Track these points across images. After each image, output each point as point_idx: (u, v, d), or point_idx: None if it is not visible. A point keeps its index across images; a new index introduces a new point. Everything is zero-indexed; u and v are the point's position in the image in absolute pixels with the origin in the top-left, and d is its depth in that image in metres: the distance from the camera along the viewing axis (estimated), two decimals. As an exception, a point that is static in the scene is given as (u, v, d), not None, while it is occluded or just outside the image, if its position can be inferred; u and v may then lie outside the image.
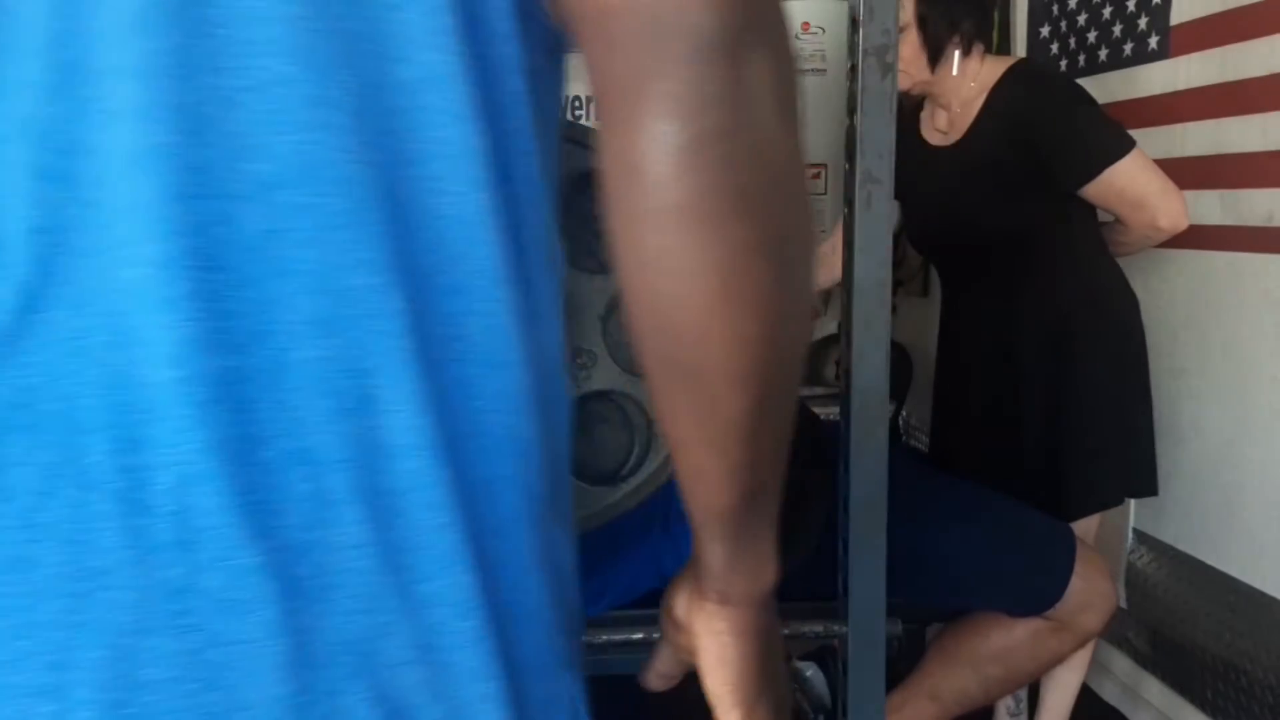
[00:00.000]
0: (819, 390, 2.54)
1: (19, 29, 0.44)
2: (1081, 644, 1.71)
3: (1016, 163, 1.88)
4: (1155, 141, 2.01)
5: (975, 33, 1.94)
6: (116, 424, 0.43)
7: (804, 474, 1.51)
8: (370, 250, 0.44)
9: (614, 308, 1.14)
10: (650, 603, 1.32)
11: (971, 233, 1.98)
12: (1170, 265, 2.17)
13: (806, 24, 2.79)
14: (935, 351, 2.25)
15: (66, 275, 0.43)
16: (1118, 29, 2.34)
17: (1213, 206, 2.03)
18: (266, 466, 0.43)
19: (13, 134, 0.44)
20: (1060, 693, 2.07)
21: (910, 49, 1.91)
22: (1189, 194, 1.87)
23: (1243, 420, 2.02)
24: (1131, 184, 1.84)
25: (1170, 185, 1.84)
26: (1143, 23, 2.24)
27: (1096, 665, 2.29)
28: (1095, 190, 1.86)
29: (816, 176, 2.83)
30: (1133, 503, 2.25)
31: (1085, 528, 1.98)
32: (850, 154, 1.13)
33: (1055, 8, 2.60)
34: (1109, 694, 2.42)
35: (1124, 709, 2.37)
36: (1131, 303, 2.01)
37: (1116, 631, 2.36)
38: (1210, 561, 2.11)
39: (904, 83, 1.95)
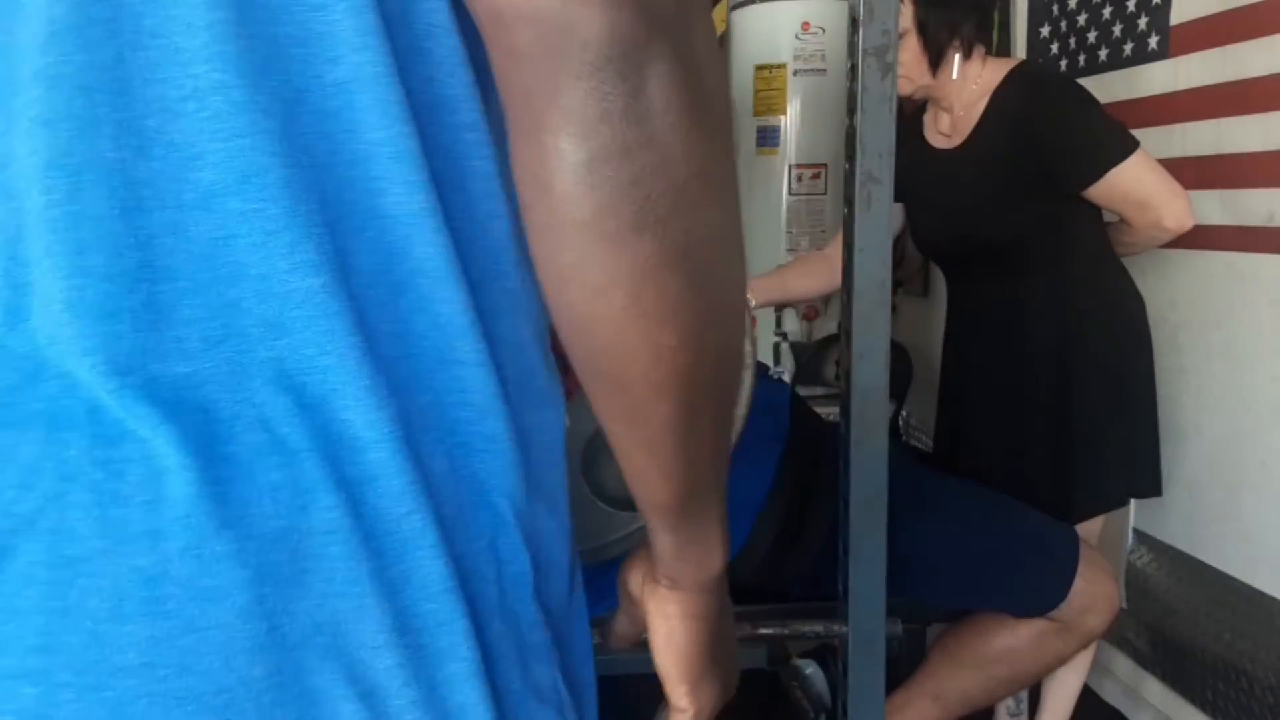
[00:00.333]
0: (819, 390, 2.54)
1: None
2: (1084, 645, 1.71)
3: (1020, 165, 1.89)
4: (1155, 141, 2.01)
5: (975, 36, 1.94)
6: (91, 421, 0.44)
7: (809, 474, 1.51)
8: (311, 252, 0.45)
9: None
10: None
11: (976, 235, 1.98)
12: (1170, 265, 2.17)
13: (807, 24, 2.79)
14: (936, 351, 2.25)
15: (31, 286, 0.45)
16: (1118, 29, 2.34)
17: (1213, 206, 2.03)
18: (234, 459, 0.44)
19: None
20: (1061, 693, 2.07)
21: (910, 54, 1.91)
22: (1189, 194, 1.87)
23: (1243, 420, 2.02)
24: (1136, 185, 1.84)
25: (1175, 185, 1.84)
26: (1143, 23, 2.24)
27: (1097, 666, 2.29)
28: (1100, 191, 1.86)
29: (816, 177, 2.83)
30: (1133, 503, 2.25)
31: (1089, 529, 1.98)
32: (850, 154, 1.13)
33: (1055, 7, 2.60)
34: (1110, 694, 2.42)
35: (1124, 709, 2.37)
36: (1138, 303, 2.01)
37: (1117, 632, 2.36)
38: (1210, 562, 2.11)
39: (905, 88, 1.95)
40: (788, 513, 1.44)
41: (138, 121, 0.44)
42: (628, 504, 1.18)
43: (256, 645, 0.43)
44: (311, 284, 0.45)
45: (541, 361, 0.55)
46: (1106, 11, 2.38)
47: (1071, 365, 1.93)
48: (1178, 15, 2.13)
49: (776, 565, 1.44)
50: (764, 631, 1.32)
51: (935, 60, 1.92)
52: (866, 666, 1.21)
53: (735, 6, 2.94)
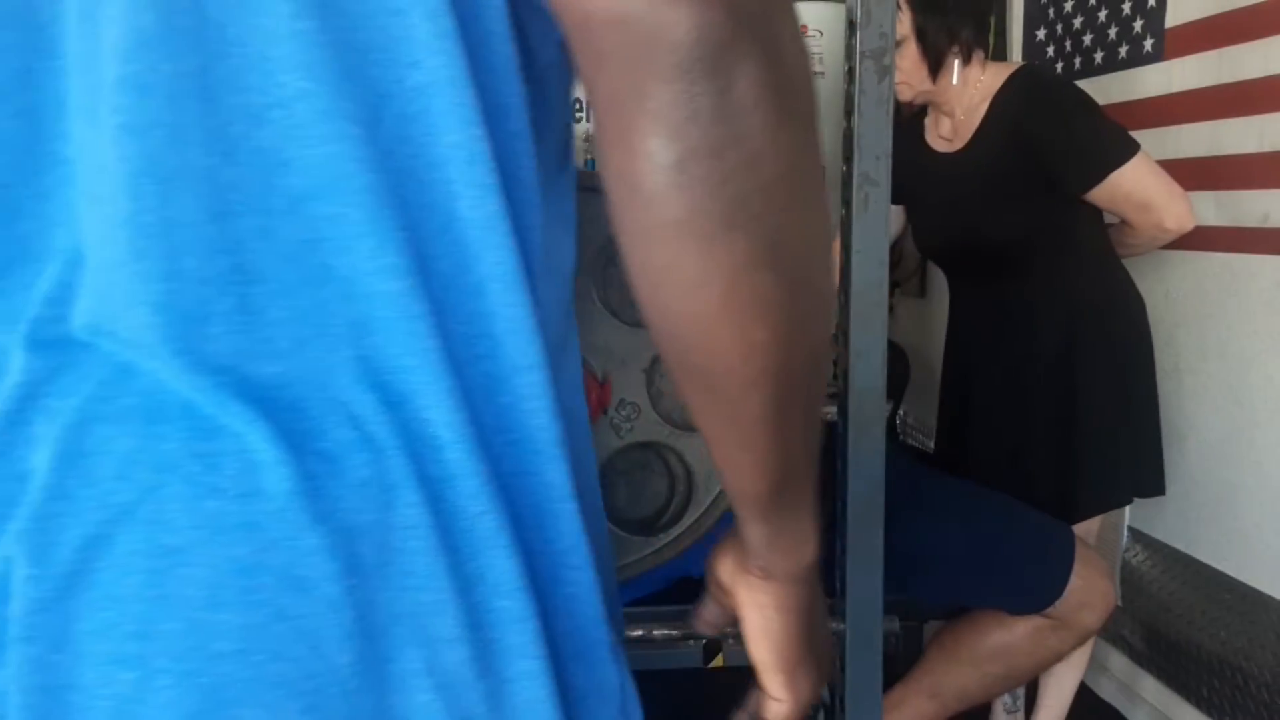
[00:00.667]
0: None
1: (54, 50, 0.47)
2: (1081, 642, 1.72)
3: (1022, 168, 1.89)
4: (1151, 143, 2.02)
5: (974, 40, 1.95)
6: (186, 416, 0.45)
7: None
8: (395, 256, 0.46)
9: (658, 360, 1.15)
10: (665, 599, 1.32)
11: (978, 238, 1.99)
12: (1167, 266, 2.18)
13: (805, 27, 2.80)
14: (933, 351, 2.26)
15: (119, 291, 0.46)
16: (1113, 31, 2.35)
17: (1208, 208, 2.04)
18: (326, 455, 0.46)
19: (73, 155, 0.47)
20: (1058, 690, 2.08)
21: (910, 61, 1.92)
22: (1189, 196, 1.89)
23: (1238, 419, 2.04)
24: (1137, 187, 1.85)
25: (1175, 187, 1.85)
26: (1138, 25, 2.25)
27: (1093, 663, 2.30)
28: (1101, 194, 1.87)
29: (815, 178, 2.84)
30: (1129, 501, 2.26)
31: (1085, 527, 1.99)
32: (848, 156, 1.14)
33: (1051, 10, 2.61)
34: (1106, 691, 2.43)
35: (1121, 706, 2.38)
36: (1139, 304, 2.02)
37: (1113, 629, 2.37)
38: (1206, 560, 2.12)
39: (906, 94, 1.96)
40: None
41: (224, 128, 0.45)
42: (638, 528, 1.19)
43: (344, 634, 0.44)
44: (395, 286, 0.46)
45: (578, 369, 0.56)
46: (1102, 14, 2.39)
47: (1075, 365, 1.94)
48: (1173, 18, 2.14)
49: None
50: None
51: (935, 66, 1.93)
52: (864, 663, 1.22)
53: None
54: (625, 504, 1.16)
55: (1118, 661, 2.41)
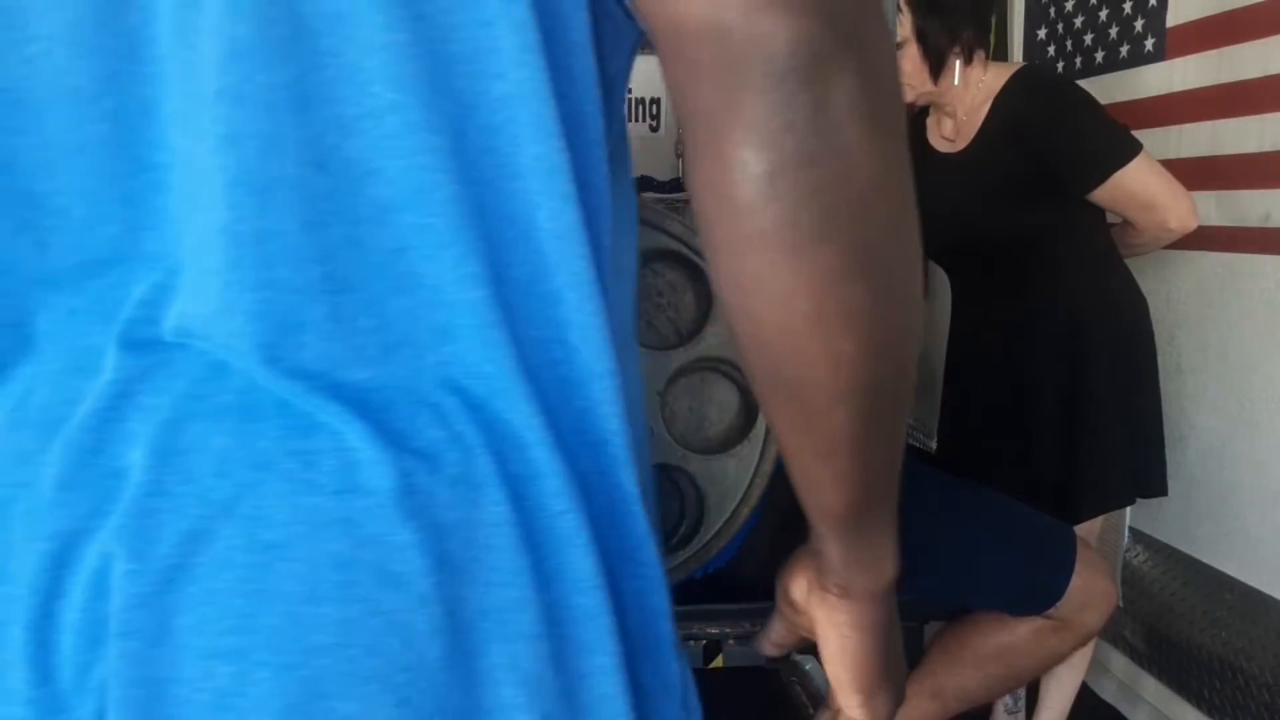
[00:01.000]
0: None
1: (166, 64, 0.47)
2: (1082, 643, 1.71)
3: (1024, 168, 1.89)
4: (1152, 143, 2.02)
5: (975, 41, 1.94)
6: (281, 414, 0.46)
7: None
8: (476, 265, 0.47)
9: (672, 383, 1.15)
10: (679, 599, 1.32)
11: (981, 238, 1.99)
12: (1167, 266, 2.18)
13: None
14: (935, 351, 2.26)
15: (213, 297, 0.47)
16: (1114, 31, 2.35)
17: (1209, 207, 2.04)
18: (420, 453, 0.46)
19: (174, 163, 0.47)
20: (1059, 691, 2.08)
21: (911, 63, 1.92)
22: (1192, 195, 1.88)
23: (1239, 419, 2.03)
24: (1140, 187, 1.85)
25: (1178, 187, 1.85)
26: (1139, 24, 2.25)
27: (1094, 663, 2.30)
28: (1104, 194, 1.87)
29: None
30: (1130, 502, 2.26)
31: (1086, 528, 1.99)
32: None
33: (1052, 10, 2.61)
34: (1107, 692, 2.43)
35: (1121, 707, 2.38)
36: (1141, 304, 2.02)
37: (1113, 630, 2.37)
38: (1207, 560, 2.12)
39: (908, 95, 1.96)
40: (787, 512, 1.45)
41: (317, 139, 0.45)
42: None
43: (433, 629, 0.45)
44: (476, 295, 0.47)
45: (638, 377, 0.56)
46: (1103, 14, 2.38)
47: (1077, 366, 1.94)
48: (1174, 17, 2.14)
49: (776, 564, 1.45)
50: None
51: (936, 67, 1.93)
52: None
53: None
54: None
55: (1118, 662, 2.41)
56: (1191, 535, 2.17)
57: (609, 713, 0.48)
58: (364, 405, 0.46)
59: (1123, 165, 1.83)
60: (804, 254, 0.44)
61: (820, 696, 1.65)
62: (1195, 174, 2.04)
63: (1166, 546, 2.24)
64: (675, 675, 0.53)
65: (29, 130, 0.49)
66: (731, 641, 1.43)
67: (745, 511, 1.20)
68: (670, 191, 3.11)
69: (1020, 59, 2.72)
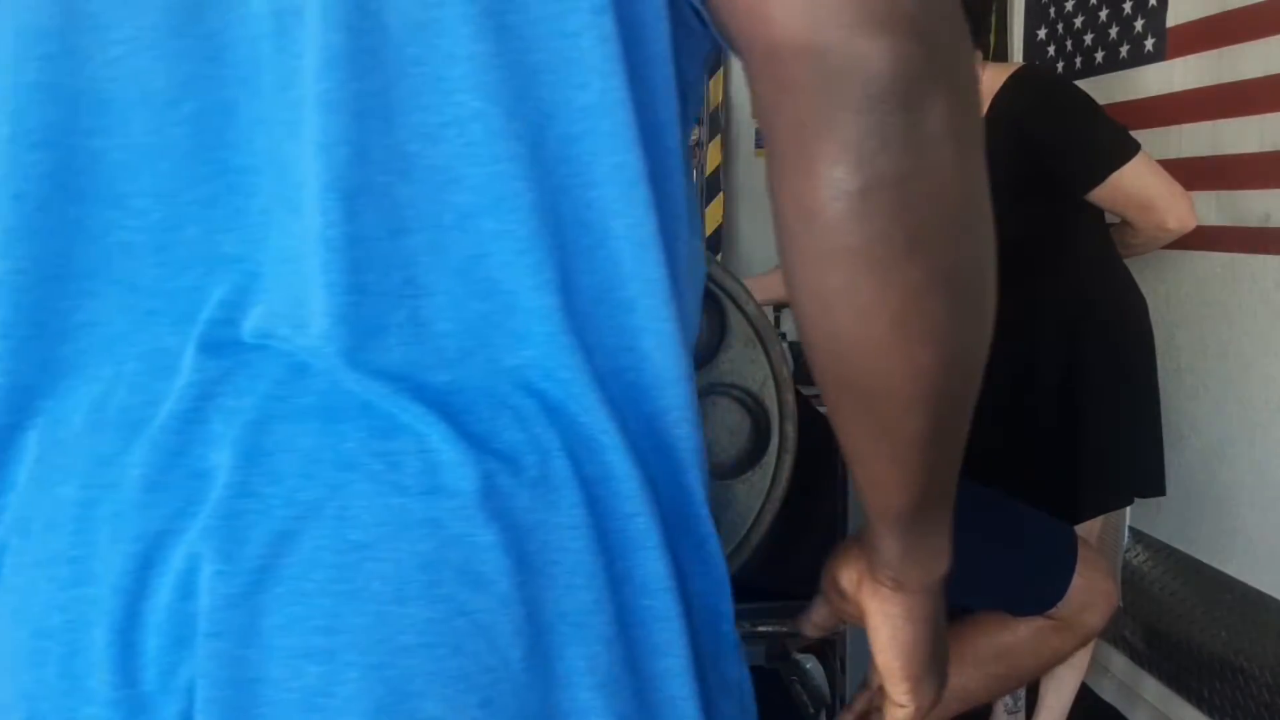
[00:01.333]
0: (816, 390, 2.54)
1: (251, 68, 0.48)
2: (1083, 643, 1.71)
3: (1022, 169, 1.89)
4: (1152, 143, 2.02)
5: (974, 41, 1.94)
6: (365, 415, 0.46)
7: (809, 473, 1.51)
8: (552, 271, 0.47)
9: None
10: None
11: None
12: (1167, 265, 2.18)
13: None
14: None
15: (301, 300, 0.47)
16: (1114, 31, 2.35)
17: (1209, 207, 2.04)
18: (501, 455, 0.47)
19: (257, 166, 0.48)
20: (1059, 691, 2.08)
21: None
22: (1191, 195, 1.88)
23: (1239, 419, 2.03)
24: (1139, 187, 1.85)
25: (1177, 187, 1.85)
26: (1139, 24, 2.25)
27: (1094, 664, 2.30)
28: (1103, 194, 1.87)
29: (815, 178, 2.83)
30: (1130, 502, 2.26)
31: (1087, 528, 1.99)
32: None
33: (1052, 10, 2.61)
34: (1107, 692, 2.43)
35: (1121, 707, 2.38)
36: (1141, 304, 2.02)
37: (1113, 630, 2.37)
38: (1206, 560, 2.12)
39: None
40: (788, 512, 1.44)
41: (402, 146, 0.46)
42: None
43: (515, 630, 0.45)
44: (552, 301, 0.47)
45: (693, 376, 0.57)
46: (1103, 13, 2.38)
47: (1076, 366, 1.94)
48: (1174, 17, 2.14)
49: (777, 564, 1.45)
50: (763, 629, 1.33)
51: (935, 65, 1.93)
52: (865, 663, 1.22)
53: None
54: None
55: (1119, 662, 2.41)
56: (1191, 535, 2.17)
57: (680, 714, 0.49)
58: (445, 407, 0.47)
59: (1121, 165, 1.83)
60: (891, 270, 0.44)
61: (820, 695, 1.65)
62: (1195, 174, 2.04)
63: (1166, 546, 2.24)
64: (736, 677, 0.54)
65: (113, 132, 0.49)
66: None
67: (756, 537, 1.21)
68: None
69: (1020, 59, 2.72)
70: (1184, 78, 2.12)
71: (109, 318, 0.50)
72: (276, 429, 0.46)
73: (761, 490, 1.23)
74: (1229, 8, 1.98)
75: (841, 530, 1.20)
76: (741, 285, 1.07)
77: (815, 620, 0.71)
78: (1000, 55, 2.73)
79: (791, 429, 1.25)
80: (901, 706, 0.65)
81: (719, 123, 3.02)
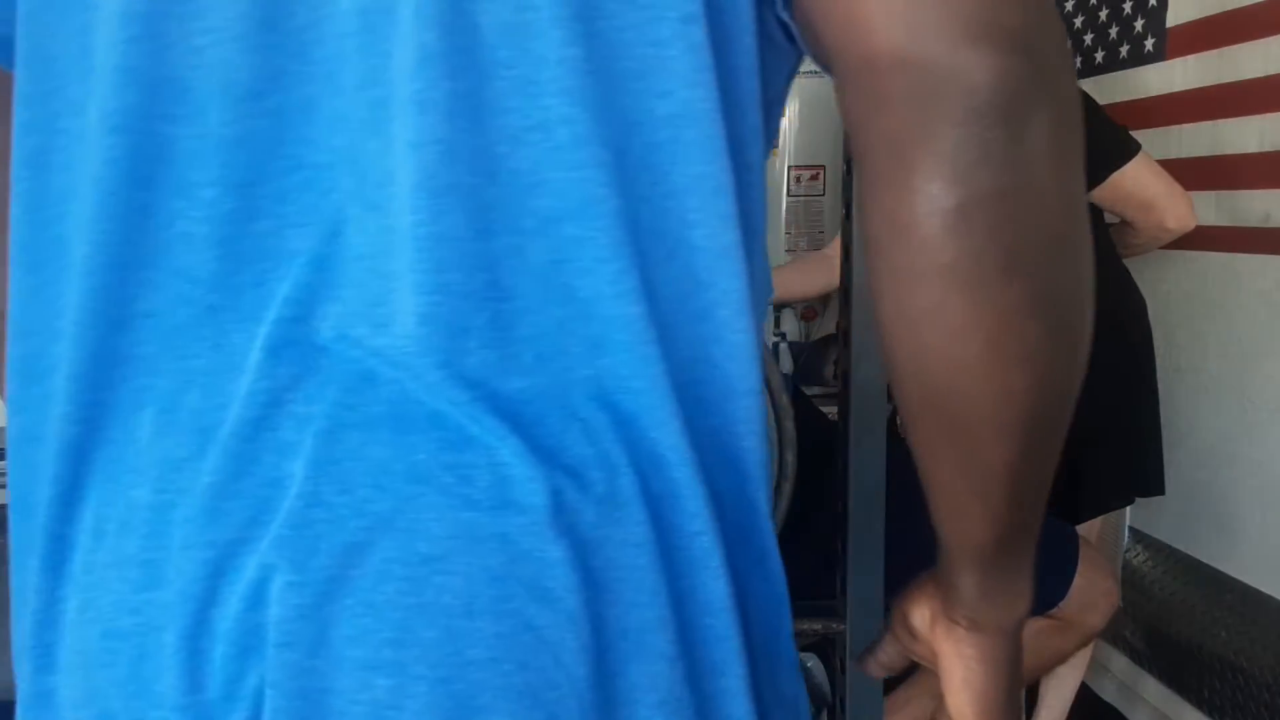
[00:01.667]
0: (817, 390, 2.55)
1: (335, 65, 0.47)
2: (1084, 642, 1.71)
3: None
4: (1152, 143, 2.02)
5: None
6: (435, 426, 0.46)
7: (809, 474, 1.51)
8: (634, 280, 0.47)
9: None
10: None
11: None
12: (1167, 265, 2.18)
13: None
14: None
15: (381, 299, 0.47)
16: (1114, 31, 2.35)
17: (1209, 207, 2.04)
18: (569, 470, 0.46)
19: (337, 162, 0.48)
20: (1059, 691, 2.08)
21: None
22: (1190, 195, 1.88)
23: (1239, 419, 2.03)
24: (1139, 187, 1.85)
25: (1177, 187, 1.85)
26: (1139, 24, 2.25)
27: (1094, 663, 2.30)
28: (1103, 194, 1.87)
29: (815, 178, 2.84)
30: (1130, 502, 2.26)
31: (1087, 527, 1.99)
32: (849, 156, 1.14)
33: (1052, 10, 2.61)
34: (1107, 692, 2.43)
35: (1122, 707, 2.38)
36: (1140, 304, 2.02)
37: (1113, 630, 2.37)
38: (1206, 560, 2.12)
39: None
40: (788, 512, 1.45)
41: (489, 148, 0.46)
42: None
43: (580, 646, 0.45)
44: (632, 311, 0.47)
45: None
46: (1103, 14, 2.38)
47: None
48: (1174, 17, 2.14)
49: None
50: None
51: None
52: (865, 664, 1.22)
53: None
54: None
55: (1119, 662, 2.41)
56: (1191, 535, 2.17)
57: None
58: (516, 418, 0.46)
59: (1121, 166, 1.84)
60: (985, 289, 0.43)
61: (822, 693, 1.65)
62: (1195, 174, 2.04)
63: (1166, 546, 2.24)
64: (792, 694, 0.53)
65: (190, 120, 0.48)
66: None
67: None
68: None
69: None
70: (1184, 78, 2.12)
71: (169, 309, 0.49)
72: (347, 438, 0.46)
73: None
74: (1229, 8, 1.98)
75: (842, 530, 1.20)
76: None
77: (881, 660, 0.67)
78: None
79: (791, 456, 1.25)
80: None
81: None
